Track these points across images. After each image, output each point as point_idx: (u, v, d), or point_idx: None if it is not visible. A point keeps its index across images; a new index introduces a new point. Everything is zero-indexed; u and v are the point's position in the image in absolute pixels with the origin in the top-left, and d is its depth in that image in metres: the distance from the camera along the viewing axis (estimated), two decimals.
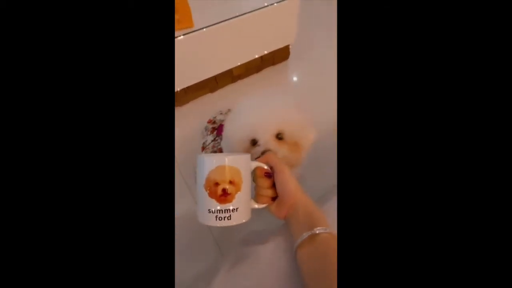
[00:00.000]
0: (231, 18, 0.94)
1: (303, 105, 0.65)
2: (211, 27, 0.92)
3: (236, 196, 0.38)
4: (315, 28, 1.45)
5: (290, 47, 1.26)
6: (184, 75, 1.03)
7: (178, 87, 1.05)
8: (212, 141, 0.74)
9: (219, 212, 0.37)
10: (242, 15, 0.95)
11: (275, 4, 0.99)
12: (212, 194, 0.37)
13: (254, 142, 0.53)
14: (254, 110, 0.54)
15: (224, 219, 0.38)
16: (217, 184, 0.37)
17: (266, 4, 0.98)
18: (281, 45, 1.19)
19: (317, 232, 0.37)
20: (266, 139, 0.51)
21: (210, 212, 0.38)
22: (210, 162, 0.38)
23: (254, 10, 0.97)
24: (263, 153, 0.50)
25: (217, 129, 0.75)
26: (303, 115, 0.55)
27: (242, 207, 0.39)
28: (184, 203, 0.87)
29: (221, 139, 0.73)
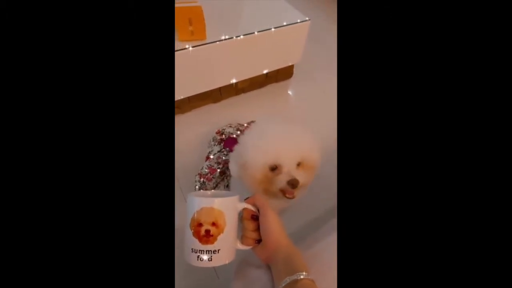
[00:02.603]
0: (242, 35, 0.97)
1: (302, 122, 0.66)
2: (222, 41, 0.95)
3: (219, 238, 0.38)
4: (320, 49, 1.51)
5: (294, 66, 1.30)
6: (190, 84, 1.05)
7: (183, 95, 1.07)
8: (218, 151, 0.75)
9: (201, 253, 0.38)
10: (252, 33, 0.99)
11: (285, 25, 1.03)
12: (196, 234, 0.38)
13: (273, 168, 0.52)
14: (275, 136, 0.54)
15: (204, 260, 0.38)
16: (200, 224, 0.38)
17: (277, 25, 1.02)
18: (286, 64, 1.24)
19: (299, 278, 0.37)
20: (289, 167, 0.51)
21: (193, 251, 0.39)
22: (196, 203, 0.39)
23: (264, 30, 1.01)
24: (289, 182, 0.50)
25: (225, 140, 0.77)
26: (316, 140, 0.56)
27: (224, 249, 0.39)
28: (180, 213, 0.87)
29: (227, 151, 0.75)
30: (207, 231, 0.38)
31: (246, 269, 0.49)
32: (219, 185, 0.86)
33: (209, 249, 0.38)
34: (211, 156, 0.76)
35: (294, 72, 1.34)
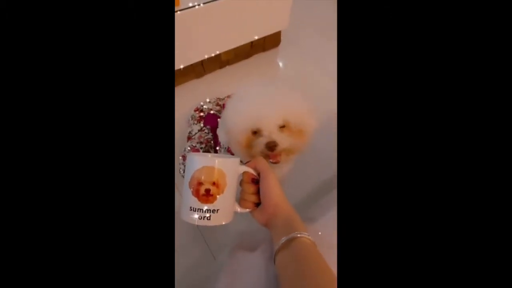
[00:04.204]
0: None
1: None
2: (199, 6, 0.85)
3: (218, 197, 0.38)
4: (307, 14, 1.40)
5: (281, 33, 1.21)
6: None
7: None
8: (199, 131, 0.69)
9: (199, 211, 0.38)
10: None
11: None
12: (195, 193, 0.38)
13: (255, 132, 0.51)
14: (257, 99, 0.52)
15: (203, 219, 0.38)
16: (201, 183, 0.38)
17: None
18: (272, 30, 1.14)
19: (296, 236, 0.37)
20: (270, 130, 0.50)
21: (191, 210, 0.39)
22: (197, 162, 0.39)
23: None
24: (266, 144, 0.49)
25: (204, 118, 0.70)
26: (305, 102, 0.54)
27: (223, 209, 0.39)
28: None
29: (208, 129, 0.69)
30: (207, 190, 0.38)
31: (239, 254, 0.49)
32: None
33: (208, 208, 0.38)
34: (193, 136, 0.69)
35: (282, 40, 1.24)
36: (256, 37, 1.10)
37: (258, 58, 1.22)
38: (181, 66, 1.01)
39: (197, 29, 0.91)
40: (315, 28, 1.36)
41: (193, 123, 0.72)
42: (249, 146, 0.52)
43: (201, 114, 0.73)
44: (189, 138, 0.72)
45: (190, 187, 0.39)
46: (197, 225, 0.41)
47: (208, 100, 0.77)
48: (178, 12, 0.83)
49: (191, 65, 1.04)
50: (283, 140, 0.50)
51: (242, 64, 1.20)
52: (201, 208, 0.38)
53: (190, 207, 0.39)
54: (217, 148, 0.67)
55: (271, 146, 0.49)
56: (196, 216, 0.38)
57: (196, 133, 0.69)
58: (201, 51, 1.02)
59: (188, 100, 1.02)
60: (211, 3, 0.86)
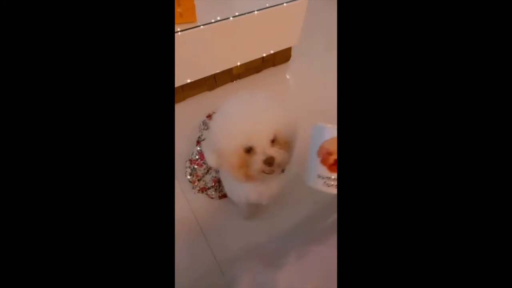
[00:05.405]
0: (235, 16, 0.90)
1: (303, 107, 0.61)
2: (214, 23, 0.88)
3: None
4: (317, 30, 1.43)
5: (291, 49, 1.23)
6: (183, 72, 0.98)
7: (175, 84, 1.01)
8: None
9: (328, 179, 0.40)
10: (247, 13, 0.92)
11: (282, 4, 0.96)
12: (324, 162, 0.40)
13: (249, 150, 0.50)
14: (243, 115, 0.51)
15: (332, 186, 0.40)
16: (330, 153, 0.39)
17: (272, 4, 0.95)
18: (283, 46, 1.16)
19: None
20: (263, 146, 0.50)
21: (319, 177, 0.40)
22: (327, 132, 0.40)
23: (259, 10, 0.93)
24: (265, 161, 0.49)
25: None
26: (288, 112, 0.54)
27: None
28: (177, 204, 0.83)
29: None
30: (336, 161, 0.39)
31: (253, 270, 0.48)
32: (210, 170, 0.82)
33: (336, 177, 0.40)
34: (201, 141, 0.71)
35: (292, 55, 1.27)
36: (267, 53, 1.13)
37: (268, 73, 1.25)
38: (194, 79, 1.03)
39: (210, 45, 0.93)
40: (324, 43, 1.39)
41: (204, 129, 0.74)
42: (244, 166, 0.51)
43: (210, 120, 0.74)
44: (197, 143, 0.73)
45: (318, 156, 0.40)
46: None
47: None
48: (195, 28, 0.85)
49: (204, 78, 1.06)
50: (277, 154, 0.50)
51: (253, 78, 1.22)
52: (329, 176, 0.40)
53: (319, 175, 0.40)
54: None
55: (270, 162, 0.49)
56: (324, 183, 0.40)
57: (205, 139, 0.71)
58: (214, 66, 1.05)
59: (199, 111, 1.03)
60: (226, 20, 0.89)
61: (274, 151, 0.50)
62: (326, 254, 0.45)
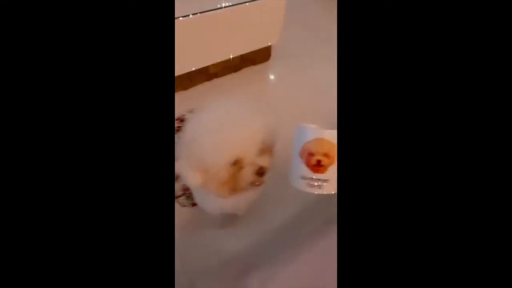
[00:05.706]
0: (211, 10, 0.85)
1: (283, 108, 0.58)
2: (188, 17, 0.82)
3: (329, 168, 0.40)
4: (299, 29, 1.40)
5: (271, 47, 1.19)
6: None
7: None
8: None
9: (311, 180, 0.40)
10: (223, 7, 0.87)
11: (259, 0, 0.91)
12: (307, 163, 0.40)
13: (235, 163, 0.46)
14: (227, 127, 0.47)
15: (315, 187, 0.40)
16: (312, 154, 0.39)
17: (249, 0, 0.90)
18: (263, 44, 1.12)
19: None
20: (253, 156, 0.47)
21: (302, 178, 0.41)
22: (308, 133, 0.40)
23: (237, 4, 0.89)
24: (257, 172, 0.47)
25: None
26: (272, 116, 0.52)
27: (334, 180, 0.40)
28: None
29: None
30: (318, 161, 0.39)
31: (227, 280, 0.48)
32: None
33: (320, 178, 0.40)
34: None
35: (272, 55, 1.23)
36: (246, 51, 1.08)
37: (248, 72, 1.20)
38: None
39: (185, 40, 0.87)
40: (307, 43, 1.36)
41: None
42: (231, 180, 0.47)
43: (181, 124, 0.69)
44: None
45: (301, 157, 0.40)
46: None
47: (190, 110, 0.74)
48: None
49: (177, 76, 1.00)
50: (267, 162, 0.48)
51: (231, 77, 1.17)
52: (312, 177, 0.40)
53: (302, 175, 0.41)
54: None
55: (263, 172, 0.47)
56: (307, 184, 0.40)
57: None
58: (189, 63, 0.99)
59: None
60: (201, 14, 0.84)
61: (264, 161, 0.48)
62: (297, 273, 0.45)
